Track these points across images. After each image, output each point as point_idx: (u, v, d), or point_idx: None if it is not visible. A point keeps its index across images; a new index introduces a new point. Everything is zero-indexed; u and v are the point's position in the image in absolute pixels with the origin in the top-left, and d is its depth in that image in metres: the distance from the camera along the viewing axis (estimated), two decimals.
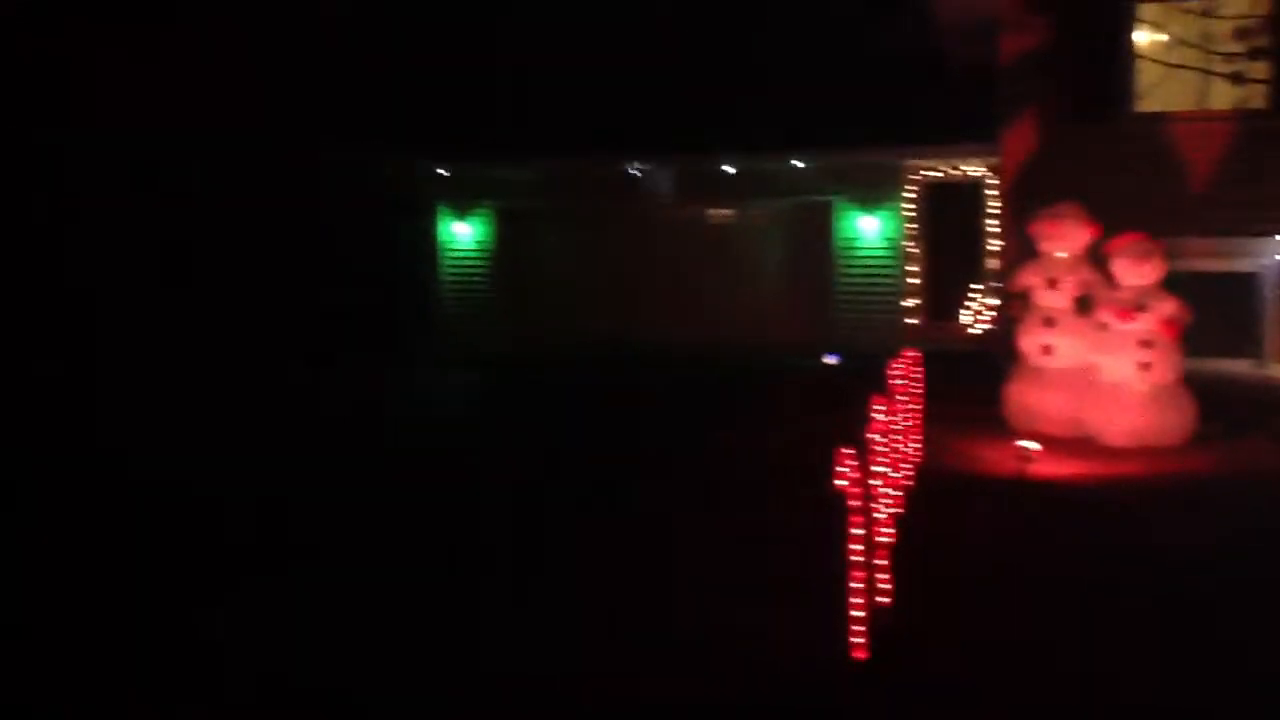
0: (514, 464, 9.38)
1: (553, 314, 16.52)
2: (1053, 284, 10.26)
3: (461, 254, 17.18)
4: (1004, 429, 10.16)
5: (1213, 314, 10.81)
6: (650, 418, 11.49)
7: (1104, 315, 9.98)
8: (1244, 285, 12.39)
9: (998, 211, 14.25)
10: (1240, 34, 9.62)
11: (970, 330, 14.98)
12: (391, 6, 17.93)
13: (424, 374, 15.55)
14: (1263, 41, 10.04)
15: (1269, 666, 5.08)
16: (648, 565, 6.62)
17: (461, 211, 17.08)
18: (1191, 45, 11.76)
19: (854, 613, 5.07)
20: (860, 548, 5.16)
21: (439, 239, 17.16)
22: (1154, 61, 12.17)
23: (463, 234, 17.12)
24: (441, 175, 16.83)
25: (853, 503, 5.21)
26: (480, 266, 17.14)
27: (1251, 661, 5.14)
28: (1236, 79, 11.22)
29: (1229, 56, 11.52)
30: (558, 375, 14.45)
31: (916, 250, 15.35)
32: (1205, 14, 11.67)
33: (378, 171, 16.68)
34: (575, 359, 15.18)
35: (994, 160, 14.13)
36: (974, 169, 15.07)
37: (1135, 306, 9.79)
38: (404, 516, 7.84)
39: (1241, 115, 11.91)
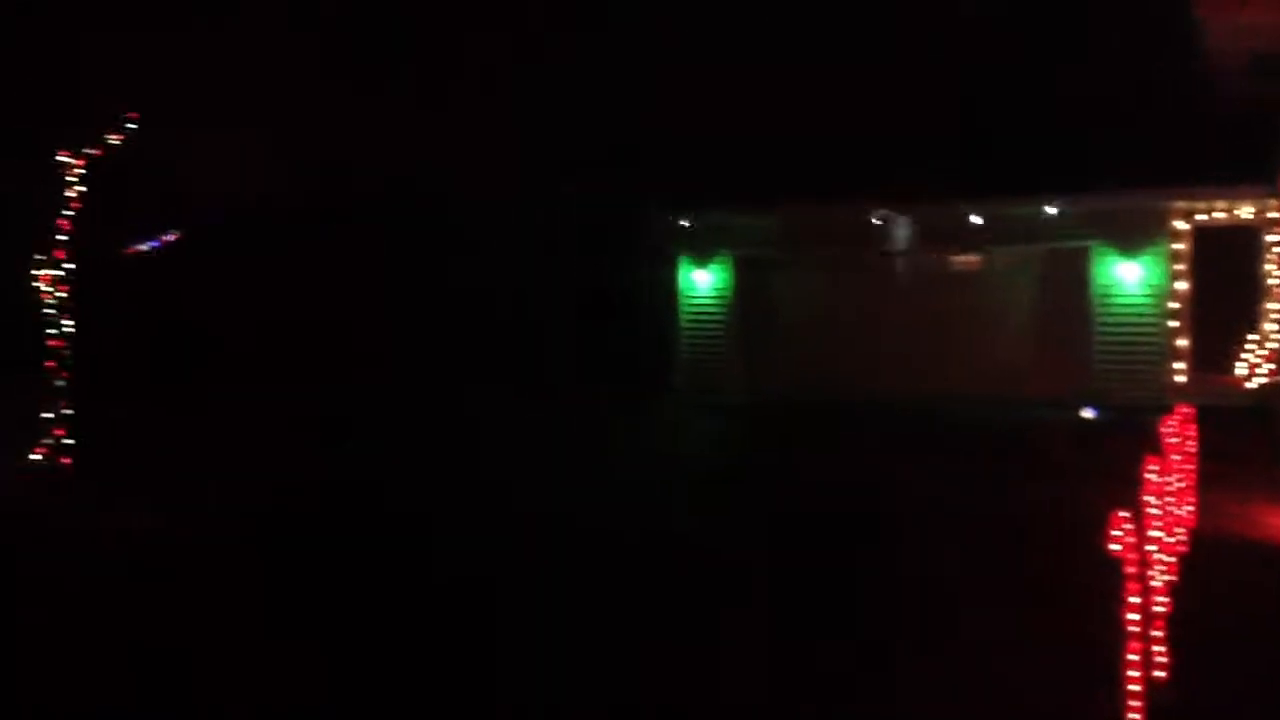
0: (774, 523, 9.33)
1: (790, 362, 16.39)
2: None
3: (700, 301, 17.40)
4: None
5: None
6: (897, 472, 11.10)
7: None
8: None
9: (1277, 258, 13.20)
10: None
11: (1246, 383, 13.85)
12: (627, 61, 18.48)
13: (669, 417, 15.73)
14: None
15: None
16: (918, 626, 6.45)
17: (701, 259, 17.32)
18: None
19: (1130, 686, 4.77)
20: (1136, 616, 4.85)
21: (679, 286, 17.45)
22: None
23: (702, 282, 17.36)
24: (683, 224, 17.16)
25: (1128, 568, 4.91)
26: (718, 314, 17.29)
27: None
28: None
29: None
30: (798, 425, 14.30)
31: (1184, 298, 14.37)
32: None
33: (625, 221, 17.18)
34: (813, 409, 14.99)
35: (1274, 202, 13.14)
36: (1250, 211, 14.01)
37: None
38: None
39: None
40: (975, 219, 15.29)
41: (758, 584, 7.34)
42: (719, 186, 16.91)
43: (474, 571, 7.76)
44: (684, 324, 17.43)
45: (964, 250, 15.92)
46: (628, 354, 16.46)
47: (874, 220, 15.96)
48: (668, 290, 17.44)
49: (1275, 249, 13.46)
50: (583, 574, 7.56)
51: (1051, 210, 14.80)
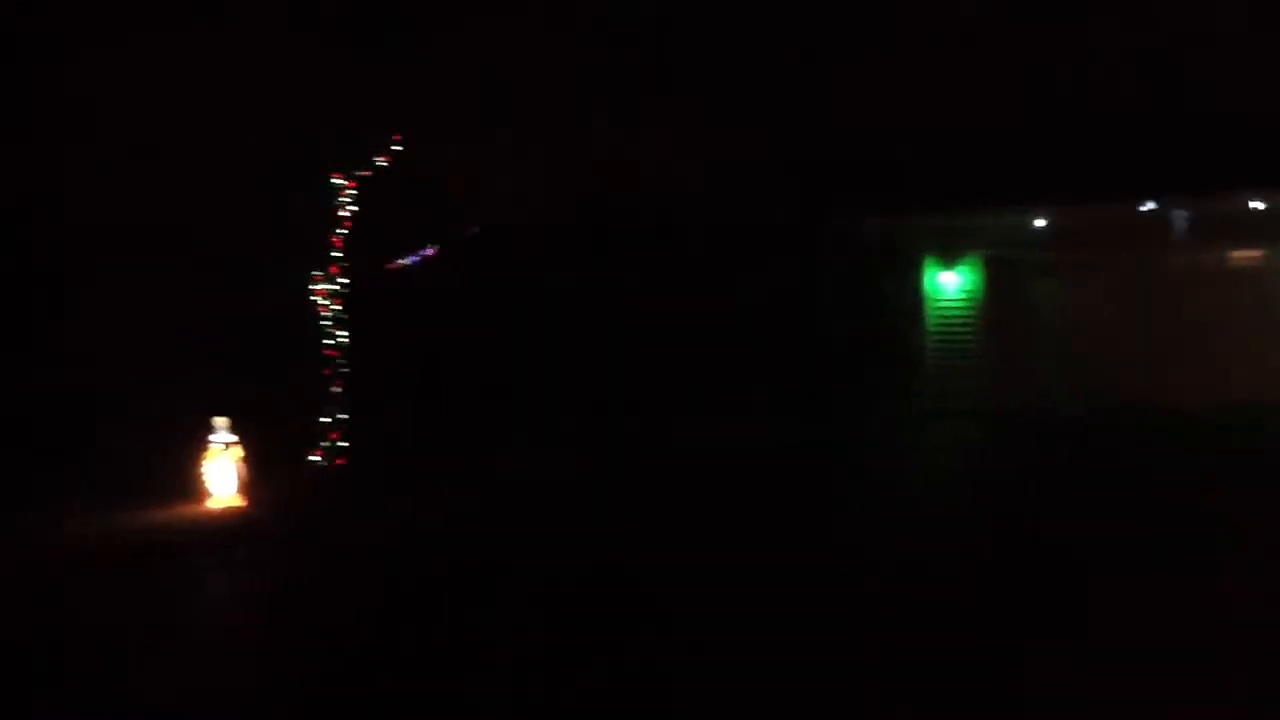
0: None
1: (1044, 368, 15.63)
2: None
3: (948, 305, 16.82)
4: None
5: None
6: (1168, 488, 10.26)
7: None
8: None
9: None
10: None
11: None
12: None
13: (915, 427, 15.28)
14: None
15: None
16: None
17: (949, 261, 16.76)
18: None
19: None
20: None
21: (925, 289, 16.93)
22: None
23: (949, 284, 16.78)
24: (928, 225, 16.65)
25: None
26: (966, 317, 16.68)
27: None
28: None
29: None
30: (1057, 433, 13.56)
31: None
32: None
33: (862, 225, 16.84)
34: (1072, 417, 14.19)
35: None
36: None
37: None
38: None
39: None
40: (1254, 209, 14.10)
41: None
42: (967, 185, 16.32)
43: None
44: (930, 329, 16.88)
45: (1244, 246, 14.75)
46: (872, 362, 16.07)
47: (1139, 214, 14.98)
48: (914, 294, 16.95)
49: None
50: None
51: None
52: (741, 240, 16.57)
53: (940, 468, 12.84)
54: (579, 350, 16.24)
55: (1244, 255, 14.87)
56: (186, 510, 10.78)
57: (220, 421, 11.26)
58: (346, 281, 13.92)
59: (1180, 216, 14.87)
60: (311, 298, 13.73)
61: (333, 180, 14.04)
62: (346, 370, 13.65)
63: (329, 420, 13.12)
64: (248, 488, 11.23)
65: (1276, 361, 14.24)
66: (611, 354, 16.30)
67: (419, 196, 15.94)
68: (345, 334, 13.78)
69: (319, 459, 12.90)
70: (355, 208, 14.18)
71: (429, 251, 17.10)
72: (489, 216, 16.87)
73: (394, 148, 14.55)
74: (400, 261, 17.44)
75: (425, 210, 16.33)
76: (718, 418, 14.84)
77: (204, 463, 11.12)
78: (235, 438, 11.27)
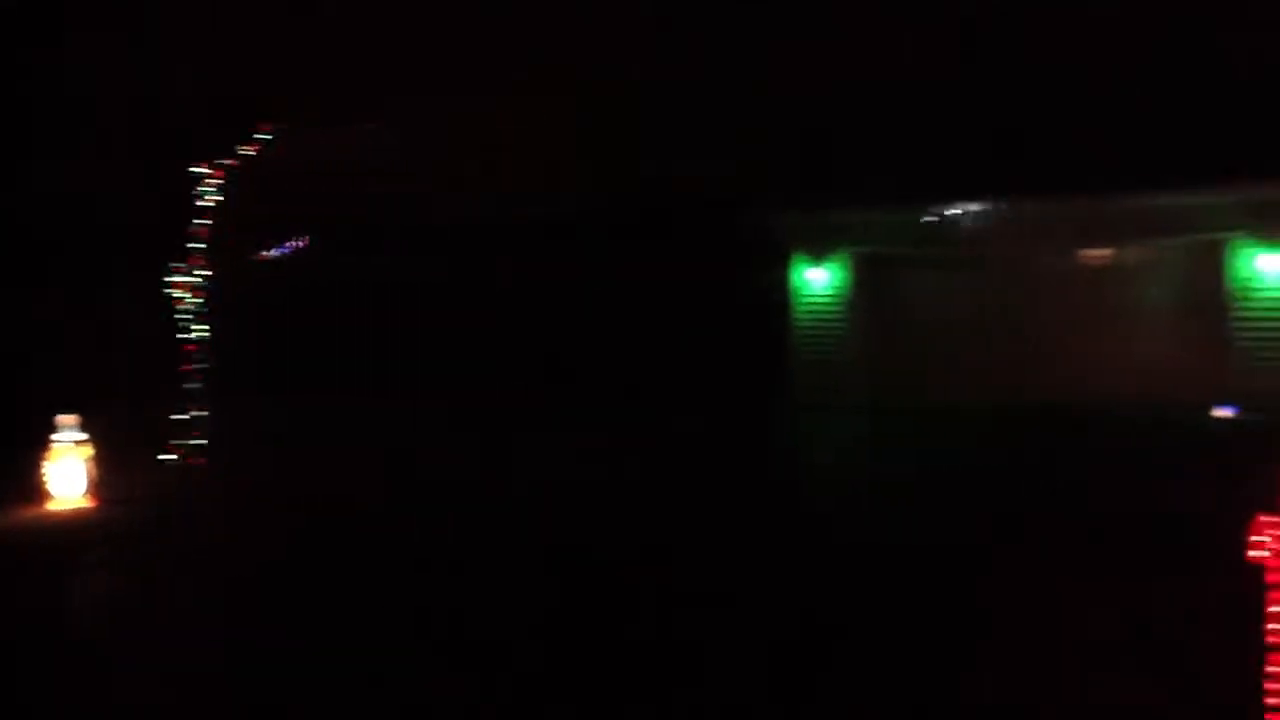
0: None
1: (911, 363, 16.06)
2: None
3: (817, 301, 17.13)
4: None
5: None
6: (1020, 475, 10.76)
7: None
8: None
9: None
10: None
11: None
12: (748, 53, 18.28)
13: (791, 422, 15.56)
14: None
15: None
16: (1035, 635, 6.24)
17: (817, 257, 17.05)
18: None
19: (1272, 701, 4.51)
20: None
21: (794, 285, 17.20)
22: None
23: (818, 280, 17.08)
24: (796, 221, 16.93)
25: (1274, 576, 4.66)
26: (835, 313, 17.00)
27: None
28: None
29: None
30: (923, 427, 13.97)
31: None
32: None
33: (733, 218, 17.06)
34: (937, 411, 14.64)
35: None
36: None
37: None
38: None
39: None
40: (1107, 212, 14.74)
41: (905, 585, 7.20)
42: (837, 182, 16.66)
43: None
44: (799, 325, 17.15)
45: (1096, 245, 15.37)
46: (741, 357, 16.32)
47: (996, 214, 15.51)
48: (781, 290, 17.21)
49: None
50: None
51: (1188, 201, 14.17)
52: (616, 233, 16.66)
53: (805, 460, 13.14)
54: (451, 340, 16.16)
55: (1109, 254, 15.46)
56: (27, 512, 10.41)
57: (67, 419, 10.88)
58: (209, 273, 13.58)
59: (1033, 216, 15.43)
60: (171, 290, 13.36)
61: (196, 170, 13.67)
62: (207, 364, 13.33)
63: (187, 416, 12.80)
64: (97, 488, 10.90)
65: (1121, 356, 14.89)
66: (486, 345, 16.27)
67: (289, 186, 15.65)
68: (207, 327, 13.45)
69: (175, 456, 12.59)
70: (220, 198, 13.83)
71: (297, 243, 16.82)
72: (362, 208, 16.68)
73: (261, 137, 14.23)
74: (268, 253, 17.11)
75: (295, 201, 16.06)
76: (589, 409, 14.93)
77: (48, 463, 10.75)
78: (84, 436, 10.92)
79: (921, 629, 6.35)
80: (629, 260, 16.44)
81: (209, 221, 13.52)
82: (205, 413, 12.80)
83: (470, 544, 8.72)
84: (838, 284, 16.96)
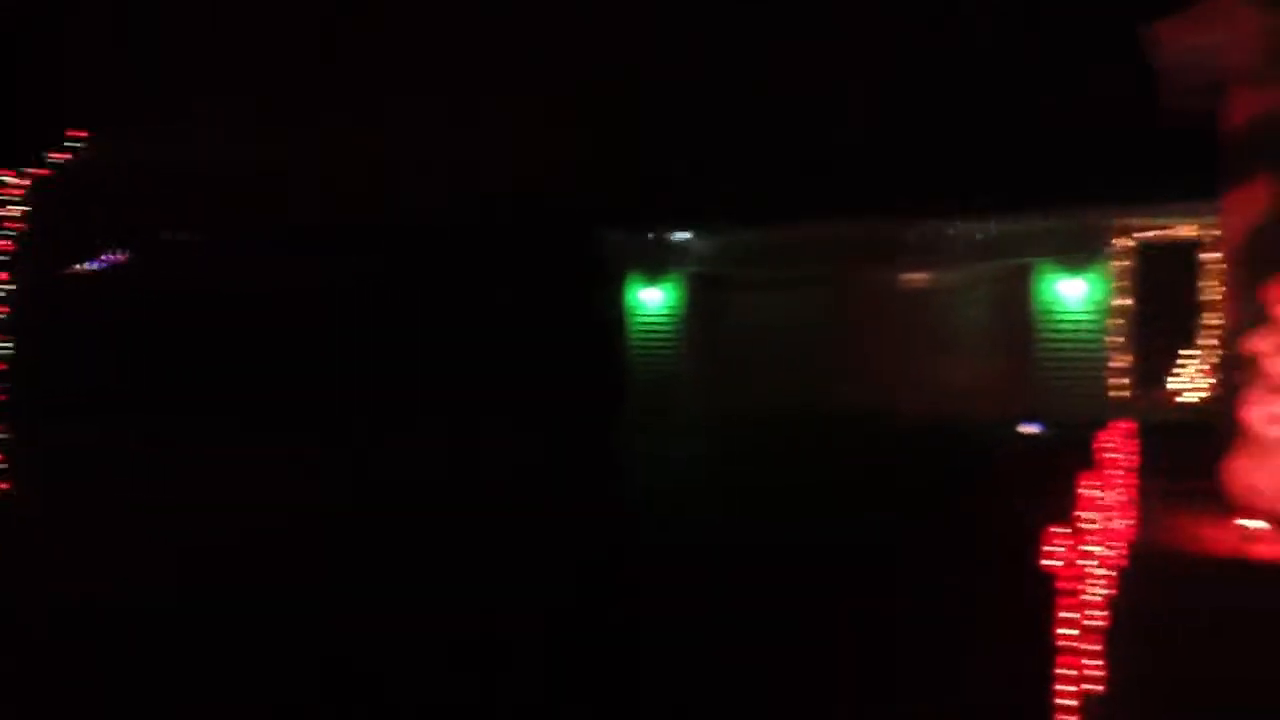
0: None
1: (742, 381, 16.49)
2: None
3: (652, 320, 17.41)
4: (1225, 506, 9.49)
5: None
6: (837, 489, 11.17)
7: None
8: None
9: (1218, 273, 13.46)
10: None
11: (1182, 399, 14.13)
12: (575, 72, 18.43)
13: (617, 436, 15.71)
14: None
15: None
16: (848, 643, 6.47)
17: (652, 277, 17.34)
18: None
19: (1062, 701, 4.82)
20: (1071, 632, 4.92)
21: (629, 305, 17.45)
22: None
23: (652, 300, 17.37)
24: (631, 242, 17.18)
25: (1063, 584, 4.98)
26: (669, 333, 17.32)
27: None
28: None
29: None
30: (743, 445, 14.32)
31: (1125, 314, 14.64)
32: None
33: (568, 238, 17.18)
34: (766, 425, 15.05)
35: (1215, 219, 13.39)
36: (1192, 229, 14.31)
37: None
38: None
39: None
40: (923, 237, 15.49)
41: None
42: (668, 205, 16.98)
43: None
44: (634, 343, 17.42)
45: (914, 269, 16.11)
46: (576, 375, 16.42)
47: (822, 237, 16.10)
48: (617, 309, 17.43)
49: (1213, 266, 13.71)
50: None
51: (996, 228, 15.03)
52: (452, 248, 16.51)
53: (635, 476, 13.28)
54: (285, 356, 15.69)
55: (927, 276, 16.19)
56: None
57: None
58: (12, 288, 12.80)
59: (858, 240, 16.09)
60: None
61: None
62: (14, 384, 12.55)
63: None
64: None
65: (936, 373, 15.63)
66: (318, 360, 15.86)
67: (103, 194, 14.94)
68: (11, 345, 12.66)
69: None
70: (26, 208, 13.07)
71: (114, 256, 16.05)
72: (181, 215, 16.05)
73: (73, 144, 13.54)
74: (83, 265, 16.27)
75: (110, 209, 15.33)
76: (424, 427, 14.73)
77: None
78: None
79: (726, 632, 6.50)
80: (465, 276, 16.32)
81: (12, 233, 12.77)
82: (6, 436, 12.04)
83: (272, 564, 8.46)
84: (672, 303, 17.29)
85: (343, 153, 16.20)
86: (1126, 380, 14.56)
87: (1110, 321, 14.65)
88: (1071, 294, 14.84)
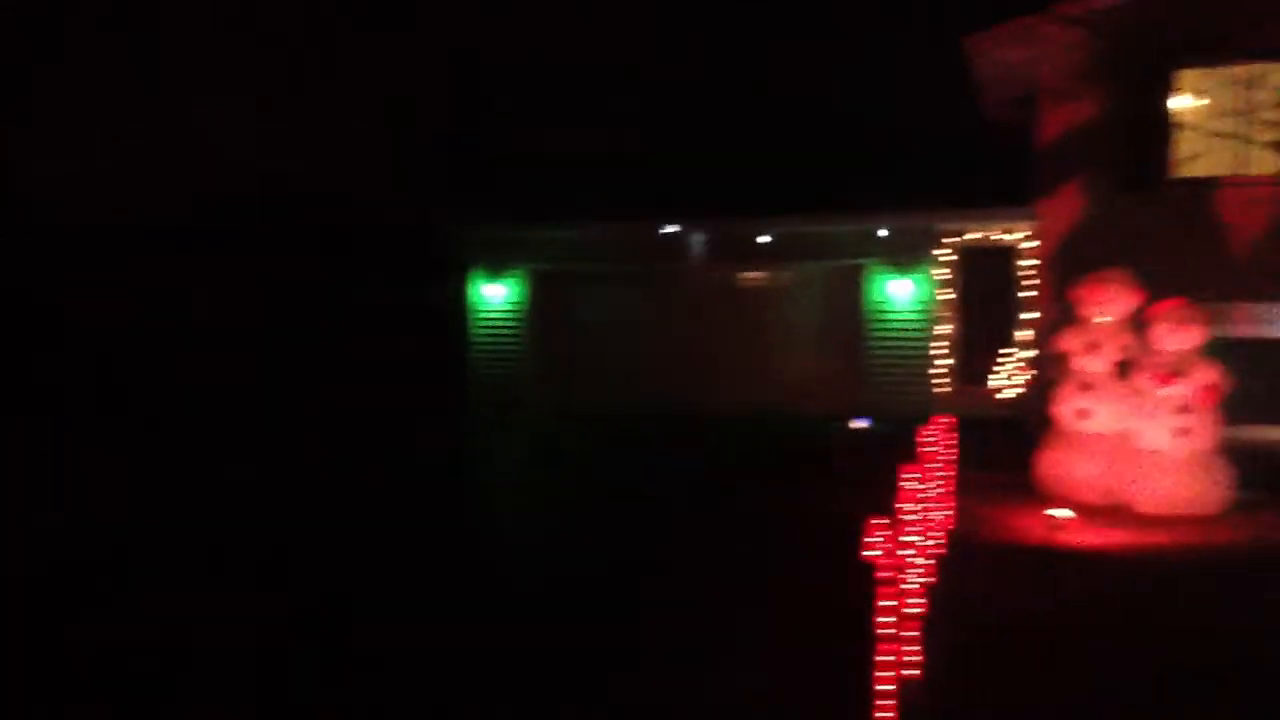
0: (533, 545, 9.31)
1: (586, 377, 16.50)
2: (1093, 349, 10.16)
3: (494, 315, 17.24)
4: (1037, 496, 10.00)
5: (1252, 381, 10.62)
6: (673, 482, 11.31)
7: (1142, 381, 9.85)
8: None
9: (1034, 276, 14.17)
10: None
11: (1002, 395, 14.82)
12: (421, 69, 18.20)
13: (462, 435, 15.49)
14: None
15: None
16: (671, 636, 6.51)
17: (494, 273, 17.17)
18: (1232, 113, 11.71)
19: (880, 686, 4.95)
20: (890, 619, 5.05)
21: (470, 300, 17.24)
22: (1195, 130, 12.13)
23: (495, 295, 17.20)
24: (474, 236, 16.97)
25: (882, 573, 5.11)
26: (513, 328, 17.18)
27: None
28: (1279, 147, 11.18)
29: (1270, 124, 11.46)
30: (585, 439, 14.33)
31: (949, 314, 15.26)
32: (1249, 85, 11.61)
33: (408, 231, 16.88)
34: (608, 423, 15.08)
35: (1031, 225, 14.11)
36: (1010, 233, 15.01)
37: (1173, 372, 9.65)
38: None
39: None
40: (761, 236, 15.79)
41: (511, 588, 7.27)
42: (510, 200, 16.85)
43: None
44: (476, 339, 17.24)
45: (751, 267, 16.40)
46: (417, 372, 16.13)
47: (665, 235, 16.24)
48: (458, 305, 17.20)
49: (1029, 269, 14.42)
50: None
51: (831, 229, 15.45)
52: (284, 243, 15.98)
53: (470, 472, 13.10)
54: (95, 358, 14.87)
55: (765, 275, 16.48)
56: None
57: None
58: None
59: (698, 238, 16.29)
60: None
61: None
62: None
63: None
64: None
65: (773, 370, 15.98)
66: (136, 361, 15.09)
67: None
68: None
69: None
70: None
71: None
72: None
73: None
74: None
75: None
76: (251, 431, 14.20)
77: None
78: None
79: (565, 630, 6.47)
80: (297, 274, 15.81)
81: None
82: None
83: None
84: (515, 299, 17.15)
85: (152, 148, 15.52)
86: (950, 377, 15.17)
87: (935, 321, 15.24)
88: (900, 294, 15.37)
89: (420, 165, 16.90)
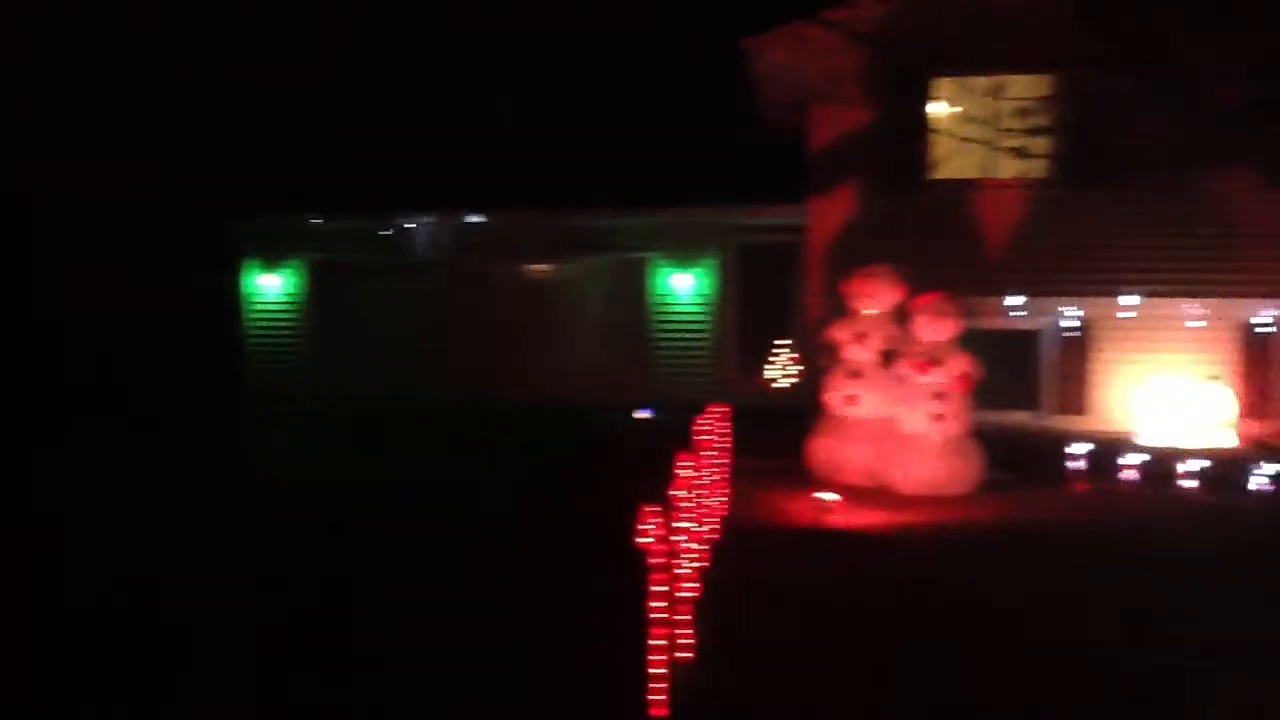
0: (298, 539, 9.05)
1: (366, 370, 16.16)
2: (860, 338, 10.73)
3: (270, 307, 16.63)
4: (808, 480, 10.47)
5: (999, 369, 11.48)
6: (451, 473, 11.23)
7: (903, 369, 10.47)
8: (1026, 342, 13.23)
9: (808, 270, 14.80)
10: (1022, 113, 10.40)
11: (778, 384, 15.45)
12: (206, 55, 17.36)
13: (235, 427, 14.87)
14: (1041, 121, 10.89)
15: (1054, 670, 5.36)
16: (442, 624, 6.46)
17: (270, 264, 16.56)
18: (981, 121, 12.57)
19: (653, 670, 5.08)
20: (662, 604, 5.18)
21: (245, 291, 16.58)
22: (949, 135, 12.95)
23: (271, 287, 16.59)
24: (249, 226, 16.32)
25: (655, 559, 5.24)
26: (289, 320, 16.63)
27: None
28: (1019, 153, 12.06)
29: (1012, 132, 12.37)
30: (362, 433, 14.04)
31: (730, 306, 15.77)
32: (993, 94, 12.47)
33: (182, 220, 16.08)
34: (387, 416, 14.83)
35: (805, 221, 14.72)
36: (786, 229, 15.61)
37: (931, 361, 10.31)
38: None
39: (1025, 185, 12.81)
40: (545, 229, 15.85)
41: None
42: (285, 190, 16.28)
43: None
44: (252, 331, 16.58)
45: (537, 259, 16.44)
46: (186, 366, 15.36)
47: (448, 226, 16.07)
48: (231, 297, 16.50)
49: (804, 263, 15.06)
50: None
51: (615, 222, 15.67)
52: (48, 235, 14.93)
53: (255, 466, 12.61)
54: None
55: (551, 267, 16.52)
56: None
57: None
58: None
59: (482, 230, 16.21)
60: None
61: None
62: None
63: None
64: None
65: (559, 362, 16.08)
66: None
67: None
68: None
69: None
70: None
71: None
72: None
73: None
74: None
75: None
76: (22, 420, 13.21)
77: None
78: None
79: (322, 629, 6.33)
80: (63, 263, 14.77)
81: None
82: None
83: None
84: (291, 290, 16.59)
85: None
86: (731, 367, 15.68)
87: (717, 313, 15.71)
88: (683, 287, 15.76)
89: (190, 157, 16.08)
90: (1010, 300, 12.81)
